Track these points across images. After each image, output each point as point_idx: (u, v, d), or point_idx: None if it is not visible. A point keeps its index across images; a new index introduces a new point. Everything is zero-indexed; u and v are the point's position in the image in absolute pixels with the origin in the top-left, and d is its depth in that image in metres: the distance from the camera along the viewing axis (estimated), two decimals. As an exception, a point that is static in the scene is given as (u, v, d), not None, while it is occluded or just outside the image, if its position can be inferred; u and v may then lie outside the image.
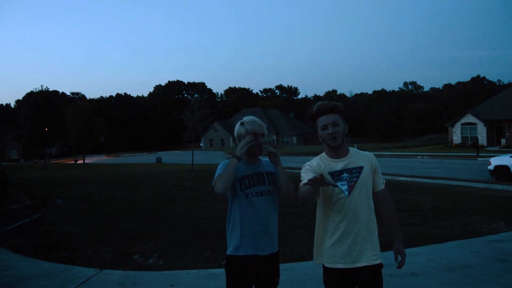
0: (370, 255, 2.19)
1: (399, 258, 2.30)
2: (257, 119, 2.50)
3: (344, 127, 2.22)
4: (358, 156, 2.27)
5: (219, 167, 2.41)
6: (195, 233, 6.25)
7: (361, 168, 2.22)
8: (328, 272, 2.23)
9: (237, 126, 2.49)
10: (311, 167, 2.21)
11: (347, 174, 2.20)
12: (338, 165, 2.22)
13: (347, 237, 2.17)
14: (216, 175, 2.37)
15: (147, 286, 4.08)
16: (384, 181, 2.35)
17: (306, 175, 2.16)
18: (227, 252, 2.44)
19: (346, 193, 2.18)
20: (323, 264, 2.28)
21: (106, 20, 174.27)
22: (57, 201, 9.80)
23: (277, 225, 2.51)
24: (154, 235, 6.23)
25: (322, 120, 2.21)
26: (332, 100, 2.32)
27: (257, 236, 2.37)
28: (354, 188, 2.18)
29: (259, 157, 2.53)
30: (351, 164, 2.22)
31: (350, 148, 2.31)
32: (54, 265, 4.78)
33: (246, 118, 2.49)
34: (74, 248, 5.49)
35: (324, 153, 2.31)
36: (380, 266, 2.23)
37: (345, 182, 2.19)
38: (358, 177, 2.20)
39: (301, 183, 2.14)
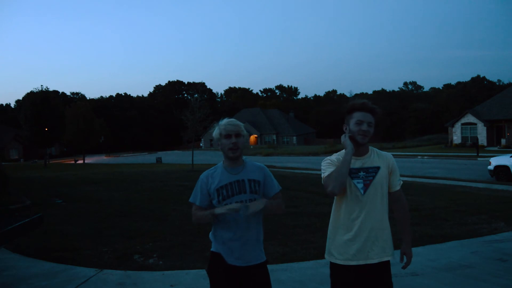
0: (381, 251, 2.25)
1: (404, 259, 2.35)
2: (233, 119, 2.36)
3: (372, 130, 2.29)
4: (376, 156, 2.33)
5: (197, 182, 2.36)
6: (195, 233, 6.24)
7: (378, 168, 2.28)
8: (339, 269, 2.27)
9: (215, 129, 2.39)
10: (331, 162, 2.29)
11: (364, 173, 2.26)
12: (357, 163, 2.27)
13: (361, 234, 2.23)
14: (192, 193, 2.37)
15: (147, 286, 4.08)
16: (401, 182, 2.39)
17: (327, 168, 2.26)
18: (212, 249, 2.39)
19: (362, 191, 2.24)
20: (331, 262, 2.32)
21: (106, 20, 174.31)
22: (57, 201, 9.79)
23: (262, 234, 2.42)
24: (154, 235, 6.22)
25: (359, 116, 2.26)
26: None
27: (236, 250, 2.29)
28: (370, 187, 2.25)
29: (243, 158, 2.40)
30: (368, 163, 2.29)
31: (370, 147, 2.36)
32: (54, 265, 4.78)
33: (222, 120, 2.37)
34: (74, 248, 5.49)
35: (343, 150, 2.32)
36: (388, 262, 2.29)
37: (361, 181, 2.25)
38: (374, 176, 2.26)
39: (324, 175, 2.25)
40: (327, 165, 2.29)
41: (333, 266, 2.31)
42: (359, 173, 2.26)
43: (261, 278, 2.34)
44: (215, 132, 2.37)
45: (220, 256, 2.32)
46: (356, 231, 2.24)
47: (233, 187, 2.30)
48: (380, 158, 2.33)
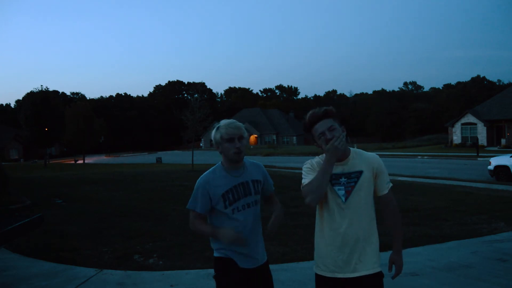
0: (369, 263, 2.10)
1: (393, 268, 2.18)
2: (234, 121, 2.26)
3: (341, 130, 2.12)
4: (359, 159, 2.15)
5: (195, 187, 2.24)
6: (195, 233, 6.24)
7: (360, 172, 2.11)
8: (326, 282, 2.12)
9: (213, 132, 2.26)
10: (311, 166, 2.15)
11: (345, 179, 2.10)
12: (337, 168, 2.11)
13: (346, 245, 2.08)
14: (190, 199, 2.25)
15: (147, 286, 4.08)
16: (390, 185, 2.20)
17: (308, 175, 2.12)
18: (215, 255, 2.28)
19: (343, 198, 2.09)
20: (316, 274, 2.18)
21: (106, 21, 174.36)
22: (57, 201, 9.80)
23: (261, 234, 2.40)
24: (154, 235, 6.22)
25: (317, 128, 2.10)
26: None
27: (246, 253, 2.24)
28: (352, 194, 2.08)
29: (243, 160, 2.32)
30: (350, 168, 2.12)
31: (352, 149, 2.20)
32: (54, 265, 4.78)
33: (222, 122, 2.27)
34: (74, 248, 5.49)
35: (321, 156, 2.20)
36: (380, 274, 2.13)
37: (343, 187, 2.09)
38: (356, 182, 2.10)
39: (304, 182, 2.10)
40: (308, 171, 2.13)
41: (318, 278, 2.16)
42: (340, 179, 2.10)
43: (267, 276, 2.34)
44: (215, 135, 2.25)
45: (230, 261, 2.22)
46: (340, 241, 2.07)
47: (239, 190, 2.23)
48: (363, 160, 2.14)
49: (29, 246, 5.52)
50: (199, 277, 4.28)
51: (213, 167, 2.33)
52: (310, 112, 2.15)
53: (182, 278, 4.28)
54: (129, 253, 5.24)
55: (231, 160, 2.25)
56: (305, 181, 2.10)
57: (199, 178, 2.28)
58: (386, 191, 2.17)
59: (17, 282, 4.22)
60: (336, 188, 2.10)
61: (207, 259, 4.93)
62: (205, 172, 2.30)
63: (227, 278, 2.21)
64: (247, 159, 2.38)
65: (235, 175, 2.25)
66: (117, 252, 5.29)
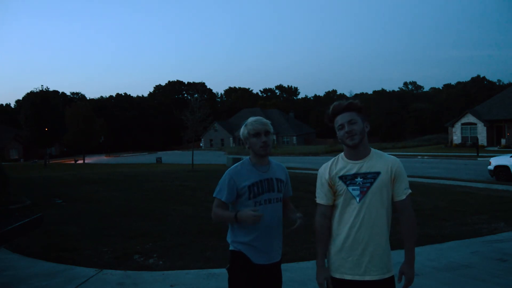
0: (381, 268, 2.06)
1: (403, 279, 2.10)
2: (260, 118, 2.40)
3: (364, 126, 2.10)
4: (378, 160, 2.11)
5: (223, 178, 2.33)
6: (195, 233, 6.24)
7: (378, 173, 2.06)
8: (334, 283, 2.10)
9: (242, 128, 2.40)
10: (321, 179, 2.17)
11: (361, 179, 2.06)
12: (353, 168, 2.09)
13: (357, 246, 2.04)
14: (218, 188, 2.32)
15: (147, 286, 4.08)
16: (409, 192, 2.11)
17: (321, 194, 2.17)
18: (231, 248, 2.36)
19: (357, 199, 2.05)
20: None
21: (106, 20, 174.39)
22: (57, 201, 9.79)
23: (281, 233, 2.44)
24: (154, 235, 6.22)
25: (338, 120, 2.10)
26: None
27: (260, 247, 2.30)
28: (366, 195, 2.04)
29: (269, 158, 2.43)
30: (367, 168, 2.07)
31: (373, 149, 2.16)
32: (54, 265, 4.78)
33: (249, 119, 2.40)
34: (74, 248, 5.49)
35: (342, 153, 2.19)
36: (391, 279, 2.10)
37: (358, 187, 2.05)
38: (372, 183, 2.05)
39: (317, 200, 2.17)
40: (319, 186, 2.18)
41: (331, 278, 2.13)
42: (356, 179, 2.06)
43: (278, 275, 2.40)
44: (243, 131, 2.37)
45: (244, 256, 2.29)
46: (351, 242, 2.05)
47: (263, 185, 2.32)
48: (381, 162, 2.09)
49: (29, 246, 5.51)
50: (199, 277, 4.28)
51: (241, 161, 2.43)
52: (335, 103, 2.15)
53: (182, 278, 4.28)
54: (129, 253, 5.24)
55: (258, 154, 2.35)
56: (317, 198, 2.18)
57: (228, 169, 2.39)
58: (403, 197, 2.09)
59: (17, 282, 4.22)
60: (351, 188, 2.07)
61: (207, 259, 4.93)
62: (234, 164, 2.41)
63: (239, 272, 2.29)
64: (274, 160, 2.48)
65: (261, 171, 2.35)
66: (117, 252, 5.29)
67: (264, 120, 2.37)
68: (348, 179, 2.08)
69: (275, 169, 2.43)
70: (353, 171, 2.08)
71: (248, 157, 2.45)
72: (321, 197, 2.17)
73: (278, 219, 2.38)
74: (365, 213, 2.05)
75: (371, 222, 2.05)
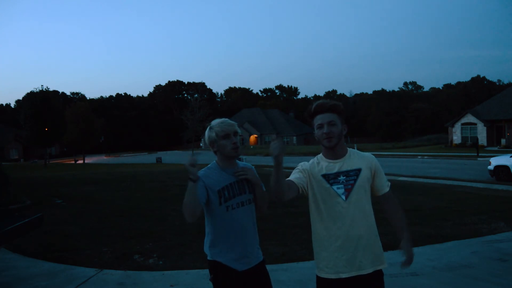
0: (374, 260, 2.10)
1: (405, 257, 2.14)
2: (226, 119, 2.33)
3: (342, 128, 2.13)
4: (356, 158, 2.16)
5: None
6: (195, 233, 6.24)
7: (359, 170, 2.12)
8: (330, 284, 2.09)
9: (206, 132, 2.30)
10: (302, 168, 2.17)
11: (344, 177, 2.10)
12: (334, 166, 2.12)
13: (349, 244, 2.07)
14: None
15: (147, 286, 4.08)
16: (389, 184, 2.23)
17: (292, 175, 2.15)
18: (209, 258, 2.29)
19: (343, 197, 2.07)
20: (318, 276, 2.15)
21: (106, 20, 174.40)
22: (57, 201, 9.79)
23: (257, 234, 2.39)
24: (154, 235, 6.22)
25: (318, 119, 2.11)
26: (332, 100, 2.25)
27: (239, 252, 2.24)
28: (352, 192, 2.08)
29: (236, 160, 2.35)
30: (348, 166, 2.12)
31: (349, 149, 2.22)
32: (54, 265, 4.78)
33: (213, 122, 2.33)
34: (74, 248, 5.49)
35: (321, 154, 2.22)
36: (381, 272, 2.14)
37: (342, 186, 2.08)
38: (355, 180, 2.09)
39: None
40: (295, 170, 2.18)
41: (322, 281, 2.12)
42: (339, 178, 2.09)
43: (264, 277, 2.33)
44: (210, 134, 2.28)
45: (223, 264, 2.23)
46: (343, 240, 2.06)
47: (234, 188, 2.26)
48: (360, 159, 2.16)
49: (29, 246, 5.51)
50: (199, 277, 4.28)
51: (207, 166, 2.34)
52: (319, 101, 2.16)
53: (182, 278, 4.28)
54: (129, 253, 5.24)
55: (228, 156, 2.28)
56: (289, 177, 2.13)
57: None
58: (387, 189, 2.21)
59: (17, 282, 4.22)
60: (335, 187, 2.09)
61: (207, 259, 4.93)
62: (201, 169, 2.30)
63: (221, 281, 2.23)
64: (240, 162, 2.41)
65: (230, 173, 2.28)
66: (117, 252, 5.29)
67: (231, 121, 2.32)
68: (331, 178, 2.11)
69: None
70: (335, 170, 2.12)
71: (214, 161, 2.35)
72: (294, 177, 2.14)
73: (252, 221, 2.33)
74: (354, 209, 2.08)
75: (361, 217, 2.10)
